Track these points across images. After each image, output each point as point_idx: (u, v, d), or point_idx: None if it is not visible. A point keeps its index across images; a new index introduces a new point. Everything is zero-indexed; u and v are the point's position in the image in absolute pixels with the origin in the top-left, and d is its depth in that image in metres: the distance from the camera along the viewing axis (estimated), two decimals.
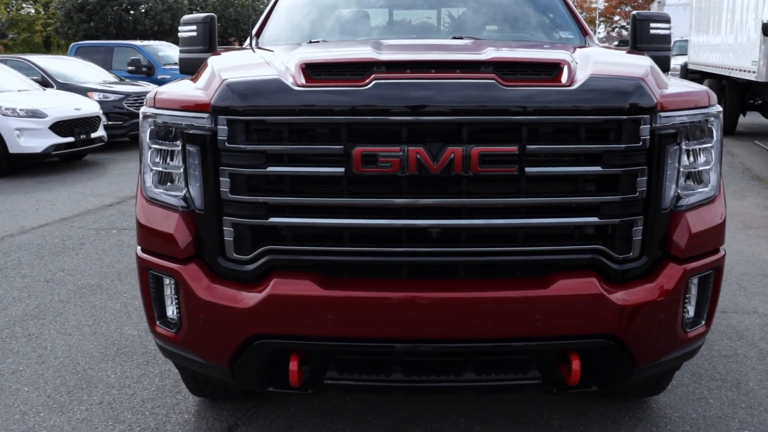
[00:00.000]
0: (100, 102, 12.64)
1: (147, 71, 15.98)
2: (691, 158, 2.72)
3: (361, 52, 2.69)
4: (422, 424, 3.43)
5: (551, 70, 2.56)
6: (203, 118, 2.55)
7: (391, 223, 2.50)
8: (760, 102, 11.99)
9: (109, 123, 12.70)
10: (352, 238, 2.54)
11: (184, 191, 2.67)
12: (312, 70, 2.53)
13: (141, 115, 2.80)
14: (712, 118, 2.76)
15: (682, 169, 2.68)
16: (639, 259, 2.61)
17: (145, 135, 2.77)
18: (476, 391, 2.64)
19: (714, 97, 2.84)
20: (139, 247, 2.89)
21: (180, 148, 2.64)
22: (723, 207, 2.84)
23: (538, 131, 2.50)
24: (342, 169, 2.44)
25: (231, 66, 2.81)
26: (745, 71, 11.50)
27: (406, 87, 2.43)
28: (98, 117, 11.90)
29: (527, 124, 2.45)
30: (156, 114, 2.72)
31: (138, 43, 17.65)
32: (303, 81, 2.49)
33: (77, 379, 3.98)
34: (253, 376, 2.69)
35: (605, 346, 2.59)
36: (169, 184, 2.74)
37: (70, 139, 11.10)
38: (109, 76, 14.76)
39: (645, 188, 2.57)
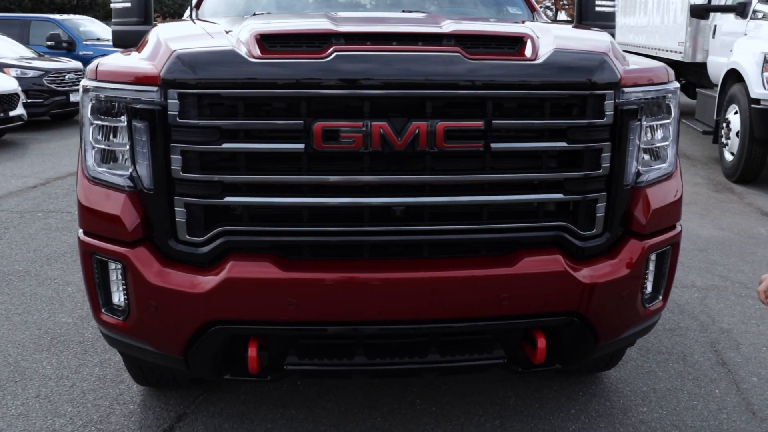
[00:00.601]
0: (18, 79, 11.97)
1: (67, 47, 15.22)
2: (650, 134, 2.72)
3: (317, 23, 2.57)
4: (378, 407, 3.37)
5: (514, 43, 2.50)
6: (152, 91, 2.38)
7: (354, 201, 2.40)
8: (684, 82, 12.33)
9: (29, 101, 12.06)
10: (312, 217, 2.43)
11: (130, 170, 2.50)
12: (267, 41, 2.39)
13: (81, 89, 2.61)
14: (670, 95, 2.76)
15: (642, 146, 2.67)
16: (602, 235, 2.60)
17: (86, 110, 2.58)
18: (439, 373, 2.59)
19: (672, 73, 2.84)
20: (81, 230, 2.71)
21: (125, 124, 2.47)
22: (680, 183, 2.86)
23: (503, 106, 2.44)
24: (302, 146, 2.32)
25: (179, 36, 2.65)
26: (671, 51, 11.79)
27: (369, 59, 2.32)
28: (17, 94, 11.27)
29: (493, 98, 2.39)
30: (98, 87, 2.53)
31: (57, 17, 16.77)
32: (258, 52, 2.35)
33: (9, 372, 3.75)
34: (209, 364, 2.56)
35: (570, 324, 2.57)
36: (113, 162, 2.56)
37: None
38: (27, 52, 13.99)
39: (608, 164, 2.55)
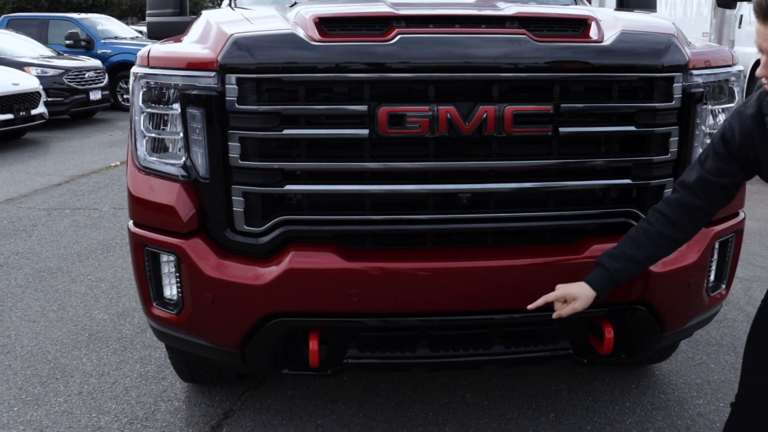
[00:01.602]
0: (39, 77, 11.96)
1: (86, 45, 15.18)
2: (714, 119, 2.63)
3: (376, 7, 2.49)
4: (428, 401, 3.30)
5: (579, 26, 2.42)
6: (208, 77, 2.31)
7: (418, 189, 2.33)
8: None
9: (49, 99, 12.04)
10: (375, 205, 2.36)
11: (184, 158, 2.44)
12: (326, 25, 2.32)
13: (132, 76, 2.54)
14: (733, 78, 2.67)
15: (707, 130, 2.58)
16: None
17: (137, 98, 2.51)
18: (503, 365, 2.51)
19: (736, 56, 2.75)
20: (131, 222, 2.65)
21: (179, 111, 2.40)
22: None
23: (570, 89, 2.36)
24: (366, 131, 2.25)
25: (233, 20, 2.58)
26: None
27: (434, 42, 2.25)
28: (38, 93, 11.26)
29: (561, 81, 2.31)
30: (150, 74, 2.47)
31: (75, 15, 16.75)
32: (318, 36, 2.28)
33: (50, 369, 3.70)
34: (267, 358, 2.49)
35: (637, 313, 2.49)
36: (165, 151, 2.50)
37: (9, 116, 10.47)
38: (47, 50, 14.00)
39: (676, 149, 2.46)
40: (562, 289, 2.24)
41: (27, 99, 10.93)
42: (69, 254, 5.62)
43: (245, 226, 2.39)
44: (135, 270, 2.65)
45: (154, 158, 2.53)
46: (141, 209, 2.58)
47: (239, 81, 2.26)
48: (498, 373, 3.54)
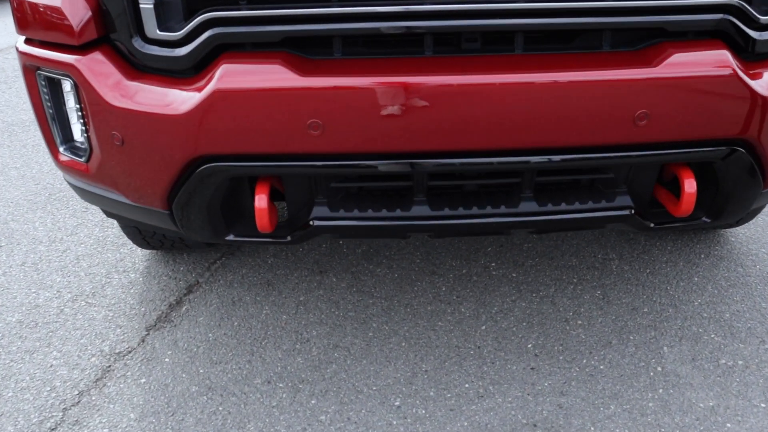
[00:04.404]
0: None
1: None
2: None
3: None
4: (441, 273, 2.63)
5: None
6: None
7: None
8: None
9: None
10: None
11: None
12: None
13: None
14: None
15: None
16: None
17: None
18: (535, 230, 1.80)
19: None
20: (21, 39, 1.91)
21: None
22: None
23: None
24: None
25: None
26: None
27: None
28: None
29: None
30: None
31: None
32: None
33: None
34: (203, 220, 1.80)
35: (733, 157, 1.71)
36: None
37: None
38: None
39: None
40: None
41: None
42: None
43: (159, 31, 1.63)
44: (32, 104, 1.94)
45: None
46: (27, 16, 1.83)
47: None
48: (531, 238, 2.83)
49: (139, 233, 2.56)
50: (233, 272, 2.70)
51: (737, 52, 1.65)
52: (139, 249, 2.90)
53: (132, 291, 2.62)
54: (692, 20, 1.62)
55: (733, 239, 2.84)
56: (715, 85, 1.62)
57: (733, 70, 1.61)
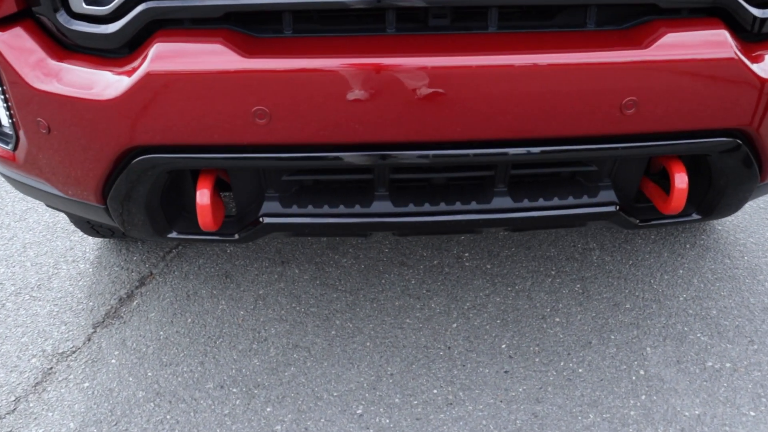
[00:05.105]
0: None
1: None
2: None
3: None
4: (411, 264, 2.46)
5: None
6: None
7: None
8: None
9: None
10: None
11: None
12: None
13: None
14: None
15: None
16: None
17: None
18: (510, 227, 1.64)
19: None
20: None
21: None
22: None
23: None
24: None
25: None
26: None
27: None
28: None
29: None
30: None
31: None
32: None
33: None
34: (143, 215, 1.61)
35: (729, 149, 1.55)
36: None
37: None
38: None
39: None
40: None
41: None
42: None
43: (85, 5, 1.44)
44: None
45: None
46: None
47: None
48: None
49: (87, 222, 2.37)
50: (189, 263, 2.52)
51: (736, 32, 1.49)
52: (91, 238, 2.71)
53: (80, 283, 2.44)
54: None
55: (719, 228, 2.70)
56: (712, 69, 1.45)
57: (733, 52, 1.44)
